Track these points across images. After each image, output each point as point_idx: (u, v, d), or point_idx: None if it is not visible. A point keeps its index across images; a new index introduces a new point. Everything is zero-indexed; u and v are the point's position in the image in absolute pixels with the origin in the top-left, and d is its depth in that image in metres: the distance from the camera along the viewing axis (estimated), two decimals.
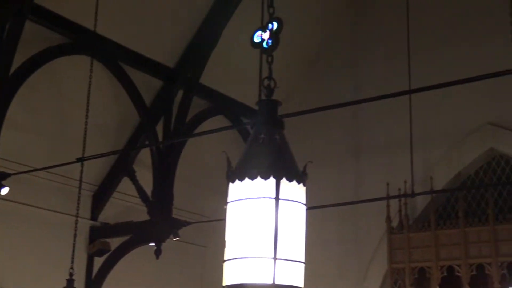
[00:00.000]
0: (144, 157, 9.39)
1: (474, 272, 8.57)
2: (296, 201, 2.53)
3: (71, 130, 8.57)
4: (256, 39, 10.00)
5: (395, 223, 9.29)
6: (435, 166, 9.48)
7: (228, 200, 2.57)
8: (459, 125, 9.43)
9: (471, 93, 8.97)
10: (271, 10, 2.83)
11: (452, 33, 9.75)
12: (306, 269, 2.54)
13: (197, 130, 9.77)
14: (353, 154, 10.25)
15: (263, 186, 2.49)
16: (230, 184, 2.57)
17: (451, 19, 9.81)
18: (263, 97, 2.71)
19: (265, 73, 2.77)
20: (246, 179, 2.52)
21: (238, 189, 2.54)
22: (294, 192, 2.53)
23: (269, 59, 2.74)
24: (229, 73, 10.10)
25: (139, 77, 9.18)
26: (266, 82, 2.71)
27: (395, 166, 9.41)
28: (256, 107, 2.69)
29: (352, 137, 10.32)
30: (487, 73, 4.27)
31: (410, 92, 6.33)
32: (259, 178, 2.50)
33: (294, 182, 2.52)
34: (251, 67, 8.85)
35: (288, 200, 2.50)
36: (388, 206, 9.22)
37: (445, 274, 8.71)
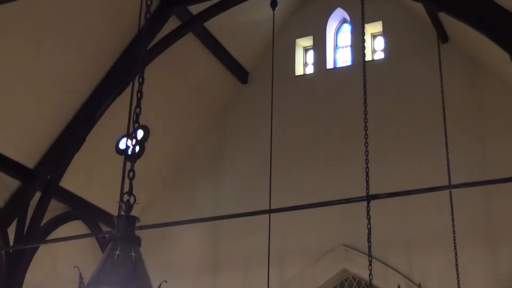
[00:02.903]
0: None
1: None
2: None
3: None
4: (121, 145, 9.98)
5: None
6: (290, 284, 9.59)
7: None
8: (315, 245, 9.66)
9: (327, 215, 9.28)
10: (136, 125, 2.86)
11: (309, 156, 10.13)
12: None
13: (53, 235, 9.38)
14: (211, 267, 10.19)
15: None
16: None
17: (309, 142, 10.23)
18: (121, 212, 2.69)
19: (127, 185, 2.76)
20: None
21: None
22: None
23: (131, 174, 2.74)
24: (91, 178, 9.91)
25: None
26: (126, 197, 2.69)
27: (252, 282, 9.42)
28: (115, 215, 2.68)
29: (210, 250, 10.28)
30: (341, 199, 4.46)
31: (270, 211, 6.46)
32: None
33: None
34: (114, 173, 8.77)
35: None
36: None
37: None
